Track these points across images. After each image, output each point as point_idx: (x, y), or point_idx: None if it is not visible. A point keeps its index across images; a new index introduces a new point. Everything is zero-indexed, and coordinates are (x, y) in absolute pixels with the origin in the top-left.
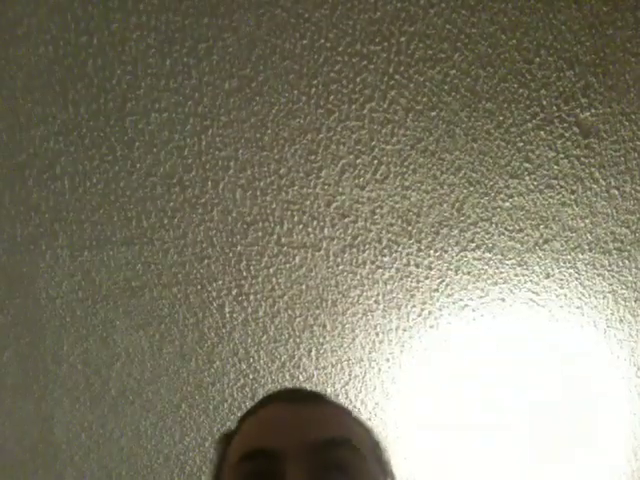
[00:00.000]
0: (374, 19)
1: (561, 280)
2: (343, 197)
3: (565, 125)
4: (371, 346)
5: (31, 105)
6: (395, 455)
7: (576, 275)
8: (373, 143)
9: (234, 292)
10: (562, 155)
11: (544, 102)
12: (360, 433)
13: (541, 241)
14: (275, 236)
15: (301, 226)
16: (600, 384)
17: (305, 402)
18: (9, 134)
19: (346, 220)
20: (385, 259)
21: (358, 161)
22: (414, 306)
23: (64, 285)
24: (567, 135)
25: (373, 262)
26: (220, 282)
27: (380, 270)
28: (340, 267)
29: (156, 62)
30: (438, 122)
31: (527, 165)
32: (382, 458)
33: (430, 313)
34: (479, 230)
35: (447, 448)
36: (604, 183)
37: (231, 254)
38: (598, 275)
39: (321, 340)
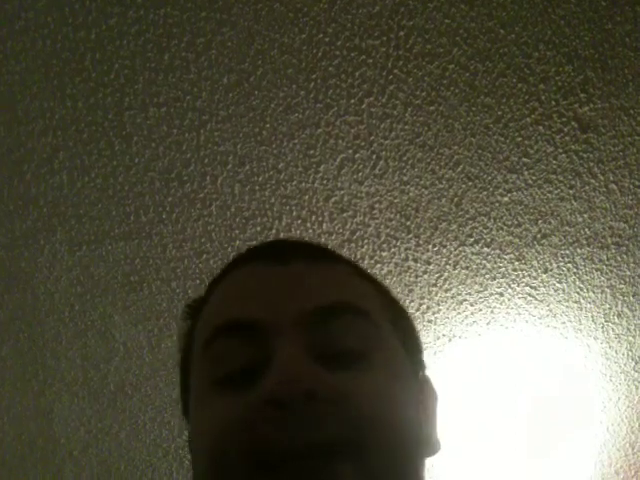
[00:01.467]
0: (373, 13)
1: (559, 275)
2: (342, 192)
3: (564, 120)
4: None
5: (29, 99)
6: None
7: (574, 270)
8: (372, 138)
9: None
10: (560, 150)
11: (543, 97)
12: (370, 295)
13: (539, 236)
14: (274, 231)
15: (299, 221)
16: (598, 378)
17: (292, 261)
18: (7, 129)
19: (345, 215)
20: (383, 254)
21: (357, 156)
22: (412, 301)
23: (62, 280)
24: (566, 130)
25: (372, 257)
26: None
27: (378, 265)
28: None
29: (154, 56)
30: (437, 117)
31: (525, 160)
32: (406, 329)
33: (428, 308)
34: (477, 225)
35: (445, 444)
36: (602, 178)
37: (230, 249)
38: (596, 270)
39: None
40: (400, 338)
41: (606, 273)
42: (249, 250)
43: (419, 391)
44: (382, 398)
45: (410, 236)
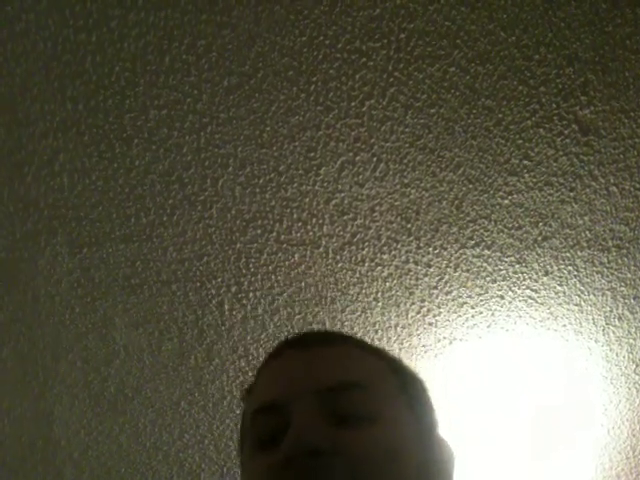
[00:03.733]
0: (373, 16)
1: (560, 277)
2: (342, 194)
3: (564, 122)
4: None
5: (30, 102)
6: None
7: (575, 272)
8: (372, 140)
9: (233, 289)
10: (561, 152)
11: (543, 99)
12: (373, 369)
13: (540, 238)
14: (274, 233)
15: (300, 223)
16: (599, 381)
17: (313, 346)
18: (8, 131)
19: (345, 217)
20: (384, 256)
21: (357, 158)
22: (413, 303)
23: (63, 282)
24: (566, 132)
25: (372, 259)
26: (219, 279)
27: (379, 267)
28: (339, 265)
29: (155, 59)
30: (437, 119)
31: (526, 162)
32: (413, 392)
33: (429, 310)
34: (478, 227)
35: None
36: (603, 180)
37: (230, 251)
38: (597, 272)
39: None
40: (406, 401)
41: (607, 276)
42: (285, 340)
43: (438, 451)
44: (380, 450)
45: (411, 239)
